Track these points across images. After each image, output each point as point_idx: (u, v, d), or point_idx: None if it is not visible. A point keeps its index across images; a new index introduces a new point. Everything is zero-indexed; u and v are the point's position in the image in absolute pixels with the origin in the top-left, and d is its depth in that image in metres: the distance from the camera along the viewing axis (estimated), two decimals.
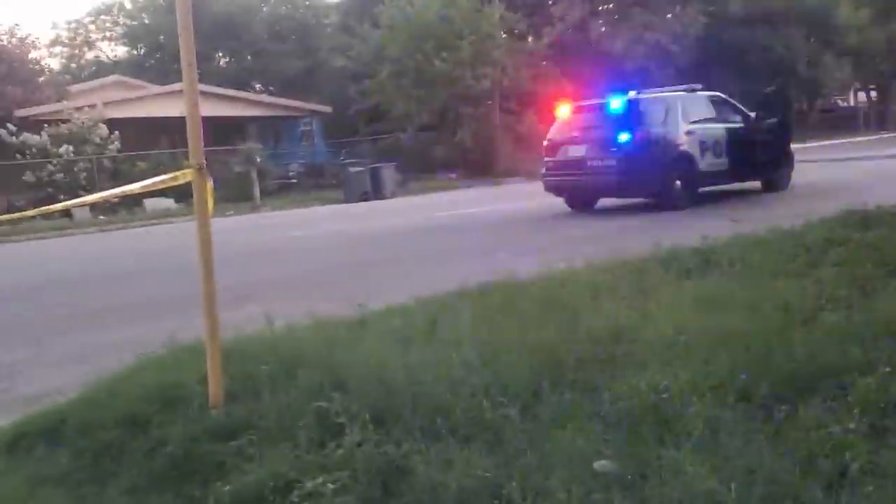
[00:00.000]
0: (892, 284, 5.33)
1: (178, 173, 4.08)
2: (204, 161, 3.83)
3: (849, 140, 35.44)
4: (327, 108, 35.38)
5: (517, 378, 3.88)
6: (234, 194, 24.97)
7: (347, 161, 26.85)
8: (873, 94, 52.79)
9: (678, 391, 3.58)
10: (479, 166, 29.11)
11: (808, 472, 2.85)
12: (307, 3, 48.16)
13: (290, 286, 8.52)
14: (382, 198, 24.16)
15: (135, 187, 4.50)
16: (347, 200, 23.97)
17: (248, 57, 45.54)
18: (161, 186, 4.26)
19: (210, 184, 3.89)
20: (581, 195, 14.48)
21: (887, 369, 3.67)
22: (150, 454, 3.63)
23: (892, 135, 38.89)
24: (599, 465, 3.04)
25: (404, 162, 28.47)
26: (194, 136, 3.80)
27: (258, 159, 27.33)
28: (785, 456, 2.98)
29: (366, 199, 23.81)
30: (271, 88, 42.87)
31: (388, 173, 25.25)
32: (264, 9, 46.60)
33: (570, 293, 5.72)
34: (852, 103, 54.24)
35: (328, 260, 10.79)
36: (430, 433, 3.42)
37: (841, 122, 44.87)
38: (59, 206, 6.40)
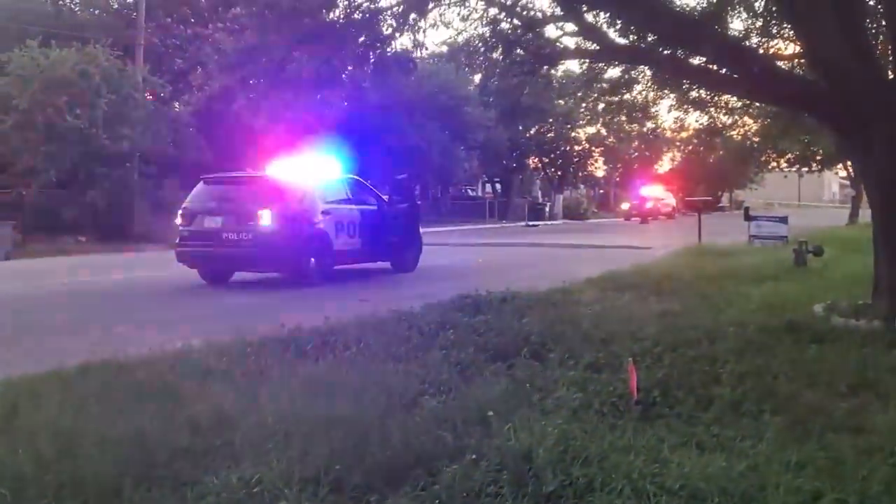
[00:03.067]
0: (489, 369, 5.72)
1: None
2: None
3: (475, 227, 38.57)
4: None
5: (99, 474, 3.55)
6: None
7: None
8: (498, 186, 58.16)
9: (270, 484, 3.48)
10: (114, 230, 27.45)
11: None
12: None
13: None
14: None
15: None
16: None
17: None
18: None
19: None
20: (216, 267, 14.12)
21: (473, 456, 3.86)
22: None
23: (512, 224, 43.01)
24: None
25: (27, 221, 26.02)
26: None
27: None
28: None
29: None
30: None
31: (3, 231, 22.88)
32: None
33: (180, 376, 5.45)
34: (480, 193, 59.28)
35: None
36: None
37: (470, 211, 48.77)
38: None
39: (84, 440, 3.92)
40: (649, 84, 15.92)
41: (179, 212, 14.29)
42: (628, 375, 5.21)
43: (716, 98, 16.71)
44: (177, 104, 33.36)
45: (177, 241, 14.21)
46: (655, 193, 50.54)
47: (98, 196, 27.53)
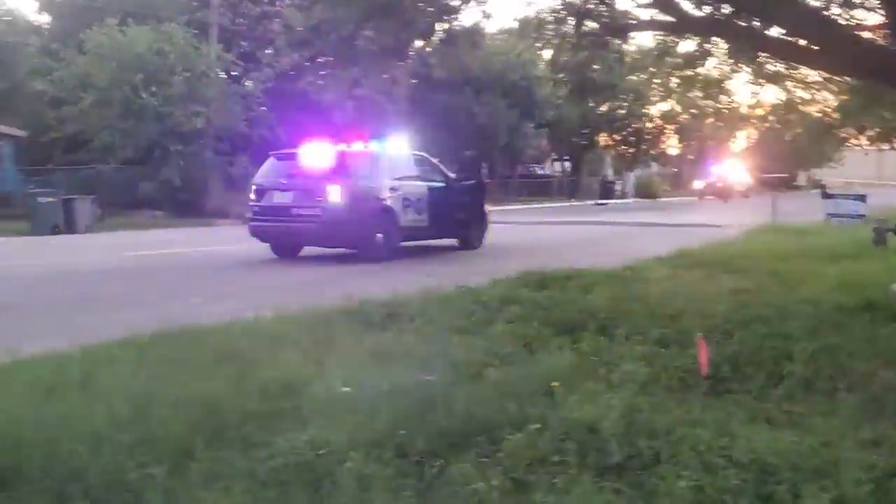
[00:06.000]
0: (553, 343, 5.69)
1: None
2: None
3: (543, 206, 38.33)
4: (21, 133, 32.57)
5: (171, 434, 3.65)
6: None
7: (38, 190, 24.70)
8: (567, 164, 57.66)
9: (337, 447, 3.53)
10: (188, 206, 28.06)
11: None
12: (7, 19, 44.44)
13: None
14: (76, 232, 22.49)
15: None
16: (35, 233, 22.02)
17: None
18: None
19: None
20: (285, 242, 14.34)
21: (538, 426, 3.85)
22: None
23: (581, 203, 42.63)
24: None
25: (105, 196, 26.71)
26: None
27: None
28: None
29: (57, 233, 22.01)
30: None
31: (84, 206, 23.56)
32: None
33: (250, 344, 5.55)
34: (549, 172, 58.85)
35: None
36: (62, 496, 3.10)
37: (538, 189, 48.47)
38: None
39: (158, 402, 4.02)
40: (725, 57, 15.53)
41: (251, 187, 14.53)
42: (697, 351, 5.14)
43: (794, 72, 16.23)
44: (248, 82, 33.83)
45: (249, 216, 14.45)
46: (729, 171, 49.39)
47: (173, 172, 28.14)
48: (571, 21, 12.47)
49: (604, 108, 53.70)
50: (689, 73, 18.45)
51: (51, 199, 22.94)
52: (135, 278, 11.79)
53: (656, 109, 56.76)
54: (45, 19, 43.66)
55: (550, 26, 14.84)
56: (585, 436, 3.74)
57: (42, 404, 3.98)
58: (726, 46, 14.41)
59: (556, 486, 3.23)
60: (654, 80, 39.34)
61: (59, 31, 36.85)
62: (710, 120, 57.97)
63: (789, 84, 18.37)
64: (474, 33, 12.48)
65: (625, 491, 3.22)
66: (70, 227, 22.68)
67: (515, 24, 37.70)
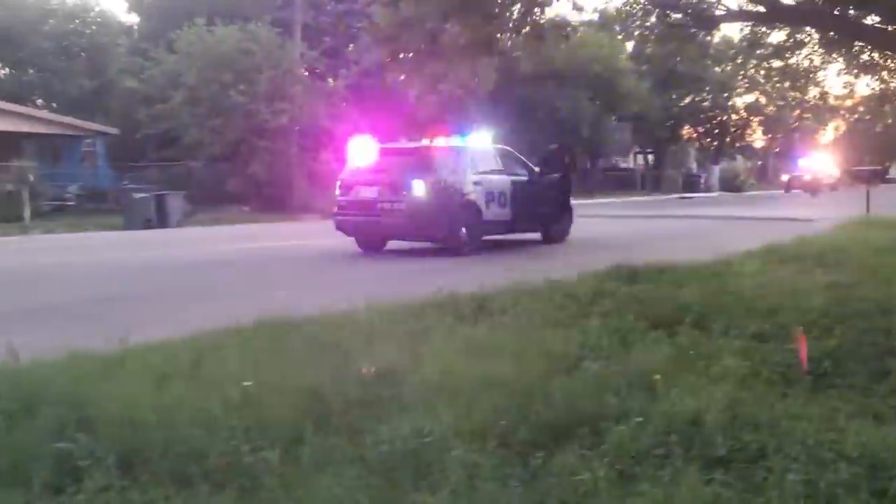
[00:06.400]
0: (649, 336, 5.66)
1: None
2: None
3: (626, 199, 37.92)
4: (114, 130, 33.69)
5: (281, 420, 3.76)
6: (3, 214, 23.13)
7: (131, 186, 25.54)
8: (650, 157, 56.89)
9: (440, 436, 3.59)
10: (274, 201, 28.62)
11: None
12: (99, 20, 45.94)
13: (46, 316, 7.86)
14: (167, 227, 23.18)
15: None
16: (128, 227, 22.76)
17: (31, 70, 42.67)
18: None
19: None
20: (371, 236, 14.53)
21: (640, 419, 3.85)
22: None
23: (665, 196, 42.00)
24: None
25: (194, 191, 27.47)
26: None
27: (31, 178, 25.46)
28: (538, 502, 3.04)
29: (149, 228, 22.72)
30: (54, 105, 40.32)
31: (175, 201, 24.28)
32: (51, 21, 43.93)
33: (345, 335, 5.66)
34: (631, 165, 58.15)
35: (95, 289, 10.03)
36: (182, 478, 3.23)
37: (621, 182, 47.95)
38: None
39: (265, 389, 4.14)
40: (816, 47, 15.18)
41: (338, 182, 14.75)
42: (797, 345, 5.05)
43: (889, 61, 15.75)
44: (330, 79, 34.28)
45: (335, 210, 14.67)
46: (818, 164, 48.00)
47: (259, 168, 28.73)
48: (657, 12, 12.34)
49: (687, 100, 52.83)
50: (778, 63, 18.09)
51: (144, 195, 23.69)
52: (228, 271, 12.11)
53: (741, 101, 55.67)
54: (134, 19, 45.04)
55: (636, 18, 14.69)
56: (688, 429, 3.72)
57: (156, 391, 4.13)
58: (818, 36, 14.08)
59: (663, 478, 3.22)
60: (741, 72, 38.58)
61: (149, 30, 37.97)
62: (798, 111, 56.57)
63: (884, 74, 17.84)
64: (564, 26, 12.36)
65: (732, 483, 3.20)
66: (162, 222, 23.37)
67: (598, 17, 37.56)
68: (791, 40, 14.42)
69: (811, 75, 20.87)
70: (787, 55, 15.69)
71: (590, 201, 31.01)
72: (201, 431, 3.55)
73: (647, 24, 13.48)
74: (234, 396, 3.98)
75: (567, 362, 4.93)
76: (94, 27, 45.07)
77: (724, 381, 4.49)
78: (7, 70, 43.22)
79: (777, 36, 15.13)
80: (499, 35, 13.35)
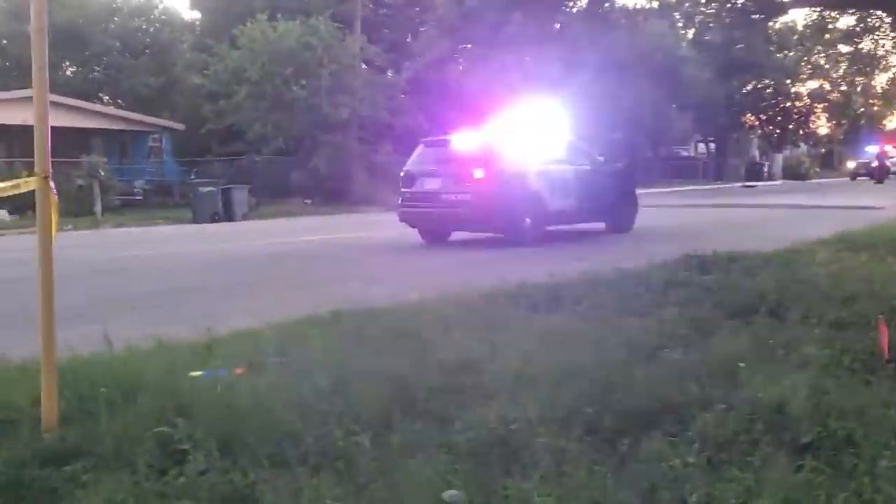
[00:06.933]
0: (727, 325, 5.65)
1: (20, 180, 3.85)
2: (50, 170, 3.62)
3: (689, 188, 37.47)
4: (179, 126, 34.39)
5: (369, 406, 3.86)
6: (74, 208, 23.77)
7: (197, 180, 26.09)
8: (712, 146, 56.10)
9: (526, 423, 3.65)
10: (335, 194, 28.98)
11: None
12: (163, 17, 46.83)
13: (132, 307, 8.13)
14: (233, 220, 23.64)
15: None
16: (196, 221, 23.29)
17: (97, 68, 43.72)
18: (2, 194, 4.00)
19: (54, 197, 3.68)
20: (435, 227, 14.64)
21: (723, 406, 3.87)
22: None
23: (728, 185, 41.42)
24: (448, 495, 3.04)
25: (258, 185, 27.98)
26: (41, 143, 3.60)
27: (102, 173, 26.17)
28: (628, 487, 3.08)
29: (215, 221, 23.21)
30: (120, 102, 41.26)
31: (240, 195, 24.75)
32: (116, 19, 44.91)
33: (421, 324, 5.75)
34: (693, 154, 57.42)
35: (172, 281, 10.34)
36: (279, 461, 3.34)
37: (682, 171, 47.43)
38: None
39: (351, 376, 4.25)
40: (887, 31, 14.82)
41: (401, 174, 14.88)
42: (877, 334, 5.00)
43: None
44: (390, 72, 34.51)
45: (398, 202, 14.80)
46: (885, 151, 46.79)
47: (321, 161, 29.09)
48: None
49: (749, 87, 51.94)
50: (847, 48, 17.69)
51: (210, 189, 24.17)
52: (298, 262, 12.33)
53: (805, 88, 54.53)
54: (196, 16, 45.78)
55: (699, 5, 14.50)
56: (773, 416, 3.73)
57: (247, 378, 4.27)
58: (890, 20, 13.75)
59: (752, 464, 3.24)
60: (804, 58, 37.85)
61: (211, 26, 38.60)
62: (865, 98, 55.24)
63: None
64: (633, 14, 12.29)
65: (822, 469, 3.20)
66: (228, 215, 23.84)
67: (657, 5, 37.18)
68: (861, 25, 14.11)
69: (881, 60, 20.34)
70: (856, 40, 15.35)
71: (651, 190, 30.71)
72: (295, 416, 3.67)
73: (710, 10, 13.30)
74: (323, 383, 4.09)
75: (645, 351, 4.95)
76: (157, 24, 45.96)
77: (805, 368, 4.48)
78: (74, 68, 44.25)
79: (845, 20, 14.82)
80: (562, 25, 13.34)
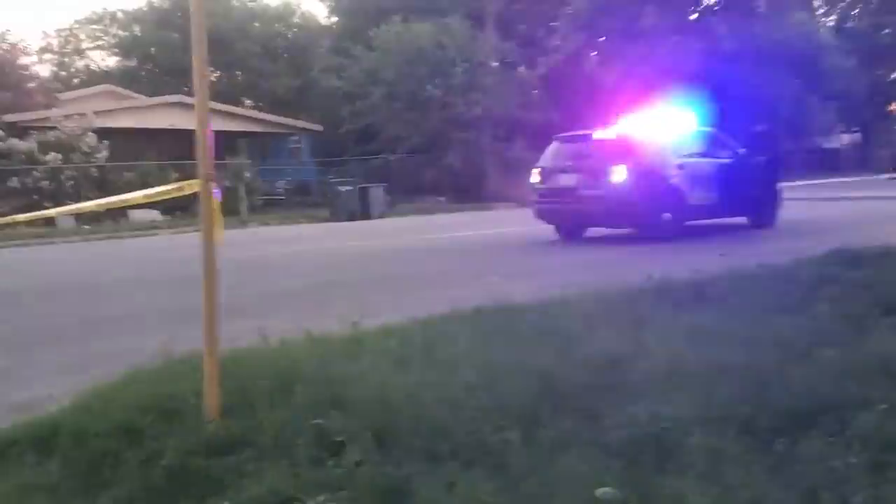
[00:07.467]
0: (884, 323, 5.38)
1: (184, 183, 4.07)
2: (213, 173, 3.81)
3: (833, 180, 35.82)
4: (318, 127, 35.41)
5: (517, 402, 3.87)
6: (222, 209, 24.81)
7: (336, 180, 26.81)
8: (856, 136, 53.47)
9: (678, 422, 3.59)
10: (468, 191, 29.22)
11: None
12: (300, 22, 48.35)
13: (283, 302, 8.48)
14: (370, 218, 24.16)
15: (138, 195, 4.46)
16: (335, 219, 23.94)
17: (239, 73, 45.57)
18: (165, 196, 4.24)
19: (217, 198, 3.87)
20: (571, 223, 14.55)
21: (885, 406, 3.70)
22: (145, 466, 3.54)
23: (874, 177, 39.34)
24: (602, 492, 3.03)
25: (393, 183, 28.51)
26: (203, 147, 3.79)
27: (247, 175, 27.27)
28: (787, 488, 2.99)
29: (354, 219, 23.79)
30: (261, 105, 42.87)
31: (377, 193, 25.28)
32: (256, 25, 46.66)
33: (565, 320, 5.72)
34: (836, 145, 54.86)
35: (319, 277, 10.74)
36: (431, 455, 3.39)
37: (825, 163, 45.40)
38: (62, 209, 6.08)
39: (497, 372, 4.29)
40: None
41: (536, 170, 14.84)
42: None
43: None
44: (523, 67, 34.48)
45: (534, 198, 14.77)
46: None
47: (454, 159, 29.38)
48: None
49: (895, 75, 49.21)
50: None
51: (348, 188, 24.80)
52: (437, 258, 12.55)
53: None
54: (333, 20, 47.03)
55: None
56: None
57: (398, 372, 4.37)
58: None
59: None
60: None
61: (348, 30, 39.60)
62: None
63: None
64: (772, 2, 11.87)
65: None
66: (365, 213, 24.39)
67: None
68: None
69: None
70: None
71: (794, 183, 29.52)
72: (445, 411, 3.72)
73: None
74: (470, 378, 4.14)
75: (799, 349, 4.77)
76: (296, 29, 47.47)
77: None
78: (218, 73, 46.24)
79: None
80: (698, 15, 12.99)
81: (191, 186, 3.98)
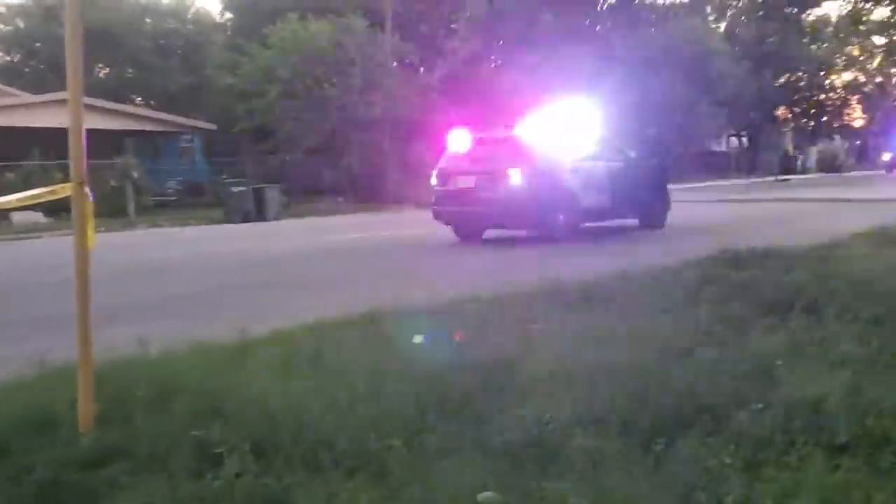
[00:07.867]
0: (762, 322, 5.58)
1: (57, 187, 3.92)
2: (86, 176, 3.67)
3: (721, 183, 37.11)
4: (211, 126, 34.61)
5: (404, 408, 3.86)
6: (107, 210, 23.95)
7: (230, 180, 26.25)
8: (744, 139, 55.53)
9: (562, 423, 3.64)
10: (368, 192, 29.08)
11: None
12: (195, 18, 47.26)
13: (166, 308, 8.23)
14: (266, 219, 23.76)
15: (11, 199, 4.25)
16: (228, 221, 23.43)
17: (130, 70, 44.21)
18: (39, 200, 4.06)
19: (90, 202, 3.74)
20: (469, 225, 14.63)
21: (760, 405, 3.83)
22: (14, 481, 3.39)
23: (761, 179, 40.98)
24: (483, 497, 3.04)
25: (290, 184, 28.13)
26: (76, 149, 3.65)
27: (135, 174, 26.41)
28: (664, 489, 3.06)
29: (248, 220, 23.33)
30: (152, 103, 41.68)
31: (273, 194, 24.84)
32: (148, 20, 45.35)
33: (456, 323, 5.75)
34: (725, 147, 56.84)
35: (207, 281, 10.46)
36: (313, 465, 3.35)
37: (714, 166, 46.95)
38: None
39: (384, 377, 4.27)
40: None
41: (434, 172, 14.87)
42: None
43: None
44: (422, 69, 34.53)
45: (432, 200, 14.80)
46: None
47: (354, 160, 29.20)
48: None
49: (782, 80, 51.30)
50: (882, 40, 17.41)
51: (242, 189, 24.31)
52: (331, 262, 12.42)
53: (839, 80, 53.81)
54: (228, 16, 46.13)
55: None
56: (810, 415, 3.68)
57: (281, 380, 4.30)
58: None
59: (790, 464, 3.21)
60: (838, 50, 37.26)
61: (242, 27, 38.88)
62: None
63: None
64: (662, 9, 12.20)
65: (860, 469, 3.17)
66: (260, 215, 23.94)
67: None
68: None
69: None
70: (891, 31, 15.12)
71: (683, 186, 30.46)
72: (329, 419, 3.68)
73: (741, 4, 13.15)
74: (358, 385, 4.10)
75: (680, 349, 4.91)
76: (190, 26, 46.36)
77: (842, 366, 4.42)
78: (107, 69, 44.77)
79: (880, 12, 14.59)
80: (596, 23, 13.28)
81: (64, 190, 3.83)
